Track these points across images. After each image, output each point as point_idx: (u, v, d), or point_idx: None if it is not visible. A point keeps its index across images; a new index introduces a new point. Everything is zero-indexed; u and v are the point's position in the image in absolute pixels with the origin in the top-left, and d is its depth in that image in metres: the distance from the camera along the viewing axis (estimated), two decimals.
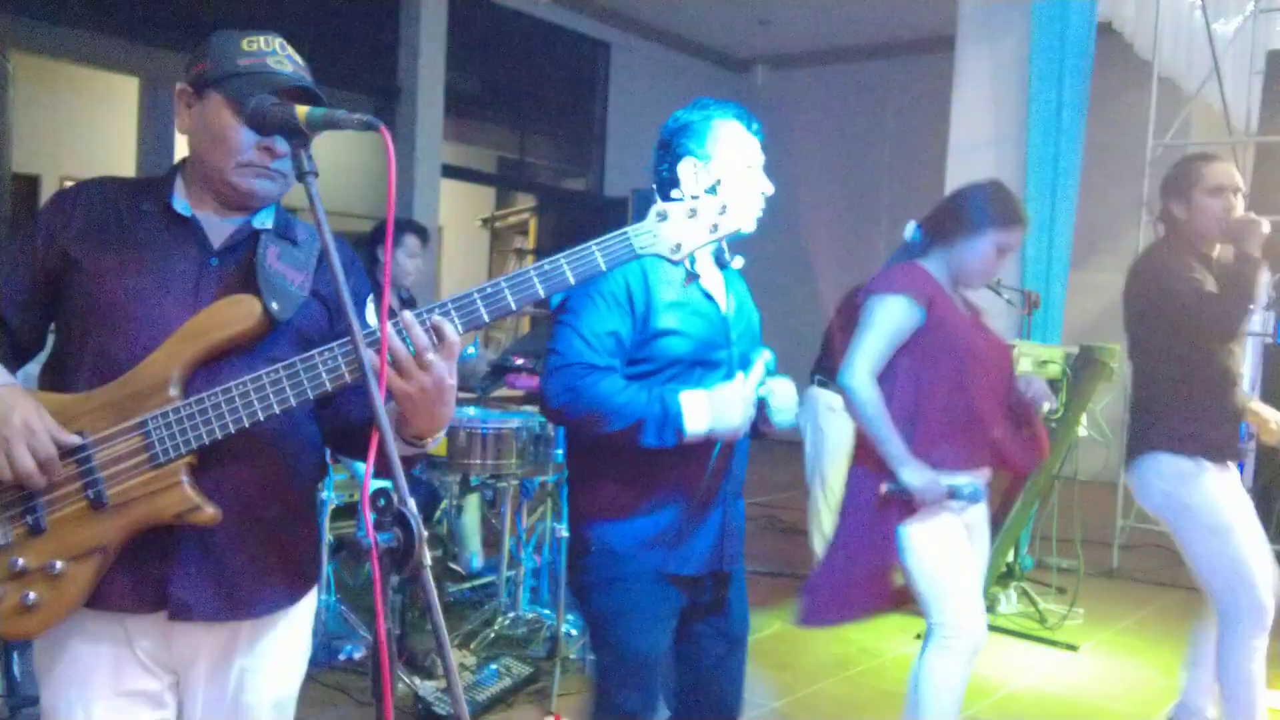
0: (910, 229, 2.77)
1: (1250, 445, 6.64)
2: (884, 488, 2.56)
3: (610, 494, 2.05)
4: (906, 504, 2.55)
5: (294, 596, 1.64)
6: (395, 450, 1.23)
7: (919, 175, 8.86)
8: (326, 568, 3.69)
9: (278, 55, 1.54)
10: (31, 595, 1.42)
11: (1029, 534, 5.04)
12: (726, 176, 2.02)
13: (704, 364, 2.02)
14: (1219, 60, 6.13)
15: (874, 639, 4.15)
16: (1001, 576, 4.70)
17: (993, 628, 4.44)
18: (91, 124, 8.18)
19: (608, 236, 1.48)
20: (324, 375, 1.43)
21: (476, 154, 9.11)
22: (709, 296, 2.08)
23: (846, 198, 9.57)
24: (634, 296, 1.98)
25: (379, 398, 1.26)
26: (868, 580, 2.66)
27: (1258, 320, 7.30)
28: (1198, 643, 3.18)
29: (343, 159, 7.43)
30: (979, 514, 2.80)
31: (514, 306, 1.45)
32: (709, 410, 1.92)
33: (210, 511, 1.46)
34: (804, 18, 8.89)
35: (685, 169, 2.03)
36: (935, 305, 2.61)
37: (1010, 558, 4.71)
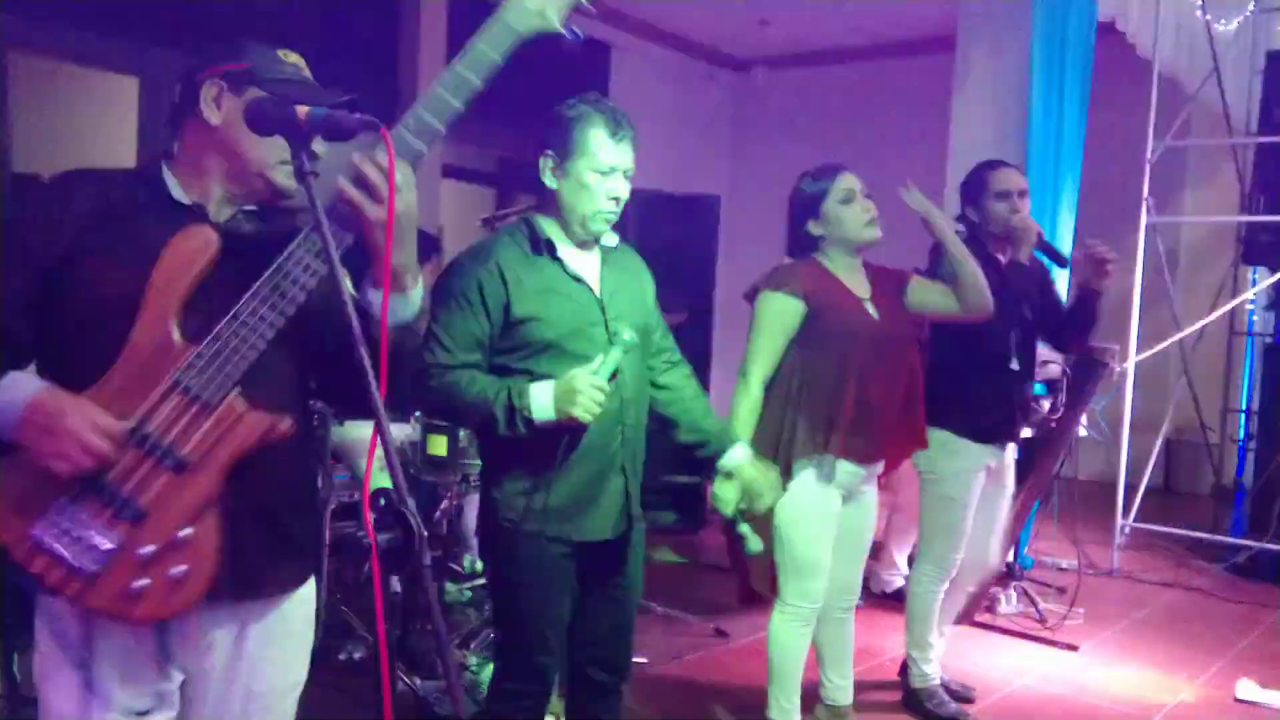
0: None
1: (1251, 445, 6.65)
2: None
3: (512, 473, 2.18)
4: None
5: (299, 578, 1.68)
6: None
7: (919, 176, 8.83)
8: (326, 567, 3.69)
9: (306, 72, 1.63)
10: (178, 569, 1.45)
11: (1029, 534, 5.04)
12: (579, 176, 2.17)
13: (579, 342, 2.16)
14: (1219, 60, 6.12)
15: (874, 639, 4.15)
16: (1002, 576, 4.70)
17: (993, 628, 4.46)
18: (91, 124, 8.18)
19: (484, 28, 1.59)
20: (310, 260, 1.48)
21: (476, 154, 9.11)
22: (577, 279, 2.21)
23: None
24: (487, 294, 2.12)
25: (379, 401, 1.27)
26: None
27: (1258, 320, 7.31)
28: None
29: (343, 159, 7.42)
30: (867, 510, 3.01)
31: (458, 105, 1.58)
32: (553, 399, 2.06)
33: (288, 420, 1.51)
34: (804, 18, 8.88)
35: (542, 165, 2.20)
36: (814, 295, 2.74)
37: (1010, 558, 4.71)
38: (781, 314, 2.74)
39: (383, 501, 3.26)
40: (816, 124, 9.95)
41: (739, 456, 2.48)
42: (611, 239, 2.31)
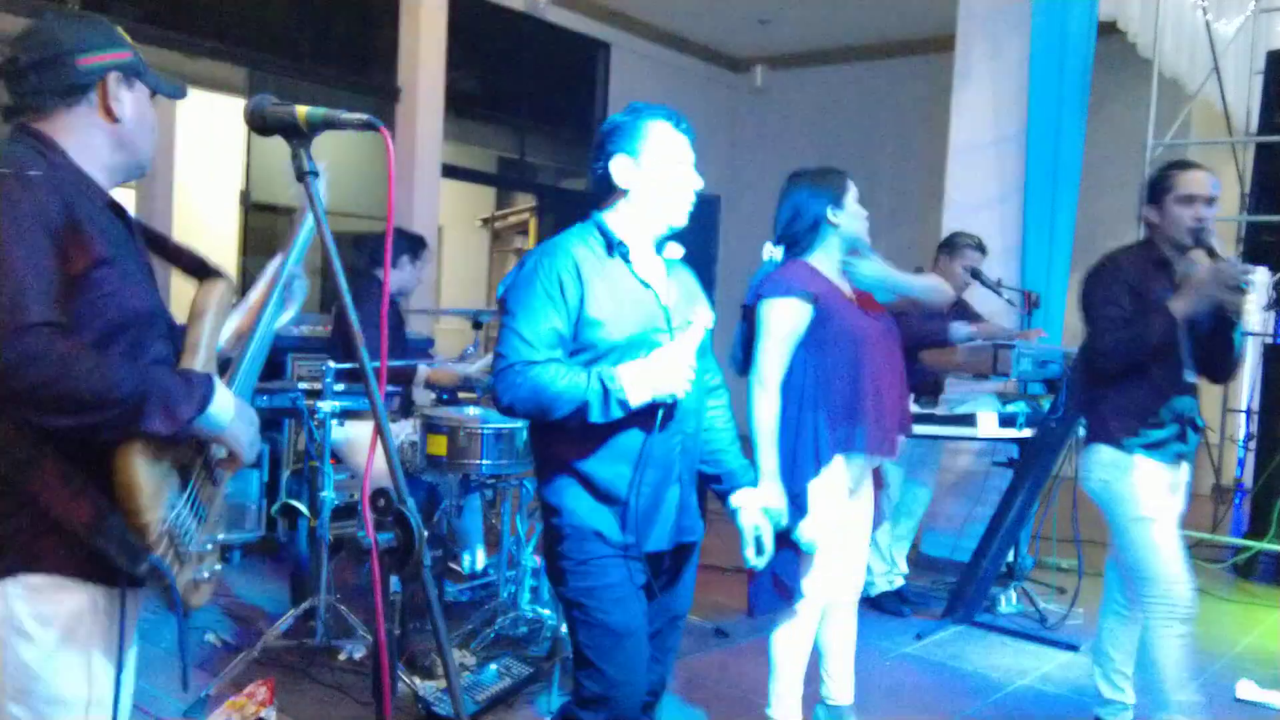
0: (771, 252, 2.95)
1: (1251, 445, 6.65)
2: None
3: (573, 484, 2.16)
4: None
5: None
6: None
7: (919, 175, 8.87)
8: (326, 567, 3.69)
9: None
10: (217, 567, 1.69)
11: (1029, 534, 5.04)
12: (656, 171, 2.18)
13: (644, 348, 2.13)
14: (1219, 60, 6.13)
15: (874, 639, 4.15)
16: (1002, 576, 4.70)
17: (993, 628, 4.46)
18: None
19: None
20: (292, 284, 1.80)
21: (476, 154, 9.10)
22: (646, 285, 2.20)
23: None
24: (565, 288, 2.10)
25: (379, 401, 1.27)
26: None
27: (1258, 320, 7.31)
28: (1102, 636, 3.35)
29: (343, 159, 7.43)
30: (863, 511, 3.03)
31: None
32: (646, 378, 2.05)
33: None
34: (804, 18, 8.89)
35: (617, 165, 2.18)
36: (821, 297, 2.80)
37: (1010, 558, 4.71)
38: (794, 318, 2.78)
39: (382, 501, 3.26)
40: (816, 124, 9.95)
41: (743, 500, 2.41)
42: (677, 251, 2.30)
